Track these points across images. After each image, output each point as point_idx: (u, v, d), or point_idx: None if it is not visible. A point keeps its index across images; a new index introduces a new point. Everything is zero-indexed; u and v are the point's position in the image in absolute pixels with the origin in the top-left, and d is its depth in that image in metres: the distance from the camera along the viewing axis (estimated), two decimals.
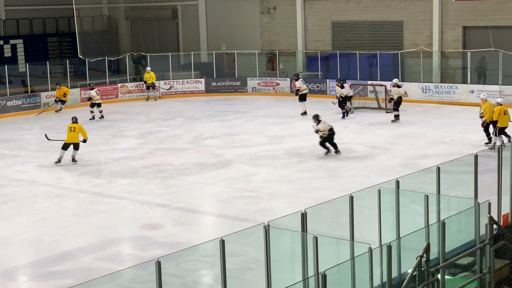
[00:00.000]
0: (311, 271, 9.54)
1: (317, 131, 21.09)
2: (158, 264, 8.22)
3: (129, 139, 24.52)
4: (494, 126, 20.80)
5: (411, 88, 30.88)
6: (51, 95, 31.81)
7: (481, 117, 21.43)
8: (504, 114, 20.64)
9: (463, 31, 31.88)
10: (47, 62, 34.30)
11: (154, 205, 16.79)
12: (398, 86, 26.17)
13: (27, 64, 34.00)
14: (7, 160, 21.77)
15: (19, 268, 13.44)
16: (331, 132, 20.98)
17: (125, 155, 21.97)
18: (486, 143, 21.17)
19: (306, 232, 9.86)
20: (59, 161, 20.87)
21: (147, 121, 28.40)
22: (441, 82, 31.32)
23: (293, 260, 10.27)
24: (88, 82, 32.54)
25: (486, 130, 21.29)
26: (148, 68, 33.99)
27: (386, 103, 28.52)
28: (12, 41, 41.31)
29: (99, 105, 29.07)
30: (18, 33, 41.81)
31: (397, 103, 25.98)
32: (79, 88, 33.38)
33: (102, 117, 28.96)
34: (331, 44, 35.86)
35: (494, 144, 20.47)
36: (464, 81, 30.87)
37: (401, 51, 32.94)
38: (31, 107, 31.21)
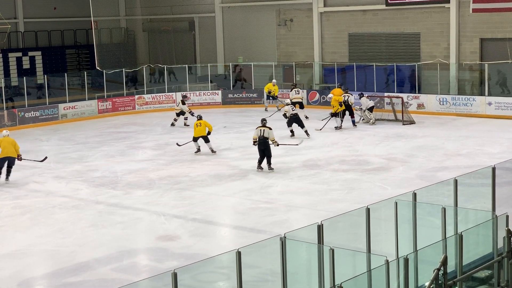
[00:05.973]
0: (327, 283, 9.51)
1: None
2: (174, 276, 8.23)
3: (146, 151, 24.59)
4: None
5: (428, 100, 30.84)
6: (69, 107, 32.07)
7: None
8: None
9: (480, 43, 31.77)
10: (65, 74, 34.54)
11: (170, 217, 16.82)
12: None
13: (45, 75, 34.25)
14: (25, 171, 21.89)
15: (36, 279, 13.50)
16: (259, 141, 20.91)
17: (141, 167, 22.04)
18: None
19: (323, 244, 9.84)
20: (198, 150, 23.56)
21: (164, 132, 28.49)
22: (459, 94, 31.21)
23: (309, 272, 10.25)
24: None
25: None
26: (274, 81, 33.58)
27: (403, 115, 28.51)
28: (30, 53, 41.66)
29: None
30: (36, 45, 42.15)
31: None
32: (96, 100, 33.59)
33: None
34: (348, 56, 35.85)
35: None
36: (482, 93, 30.75)
37: (418, 63, 32.87)
38: (49, 118, 31.41)
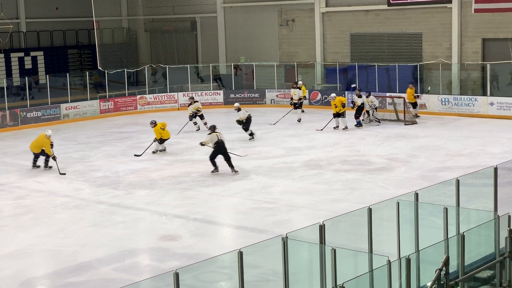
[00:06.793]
0: (329, 284, 9.51)
1: (202, 144, 20.98)
2: (176, 276, 8.23)
3: (147, 151, 24.57)
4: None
5: (430, 100, 30.83)
6: (71, 107, 32.11)
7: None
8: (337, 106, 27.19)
9: (482, 43, 31.75)
10: (67, 74, 34.56)
11: (172, 217, 16.82)
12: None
13: (47, 75, 34.27)
14: (27, 171, 21.92)
15: (38, 278, 13.50)
16: (219, 145, 20.45)
17: (143, 167, 22.05)
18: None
19: (324, 244, 9.84)
20: (161, 150, 24.18)
21: None
22: (461, 94, 31.18)
23: (311, 272, 10.24)
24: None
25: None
26: (300, 82, 32.31)
27: (404, 115, 28.51)
28: (32, 53, 41.72)
29: None
30: (38, 45, 42.20)
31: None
32: (98, 100, 33.60)
33: None
34: (350, 56, 35.85)
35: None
36: (484, 93, 30.72)
37: (420, 63, 32.86)
38: (51, 118, 31.43)
